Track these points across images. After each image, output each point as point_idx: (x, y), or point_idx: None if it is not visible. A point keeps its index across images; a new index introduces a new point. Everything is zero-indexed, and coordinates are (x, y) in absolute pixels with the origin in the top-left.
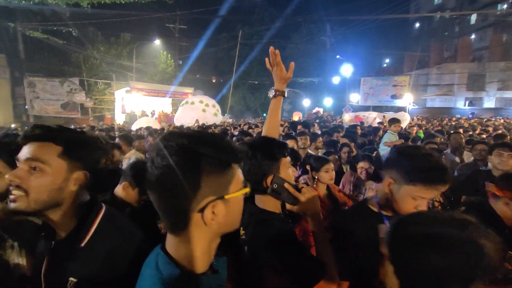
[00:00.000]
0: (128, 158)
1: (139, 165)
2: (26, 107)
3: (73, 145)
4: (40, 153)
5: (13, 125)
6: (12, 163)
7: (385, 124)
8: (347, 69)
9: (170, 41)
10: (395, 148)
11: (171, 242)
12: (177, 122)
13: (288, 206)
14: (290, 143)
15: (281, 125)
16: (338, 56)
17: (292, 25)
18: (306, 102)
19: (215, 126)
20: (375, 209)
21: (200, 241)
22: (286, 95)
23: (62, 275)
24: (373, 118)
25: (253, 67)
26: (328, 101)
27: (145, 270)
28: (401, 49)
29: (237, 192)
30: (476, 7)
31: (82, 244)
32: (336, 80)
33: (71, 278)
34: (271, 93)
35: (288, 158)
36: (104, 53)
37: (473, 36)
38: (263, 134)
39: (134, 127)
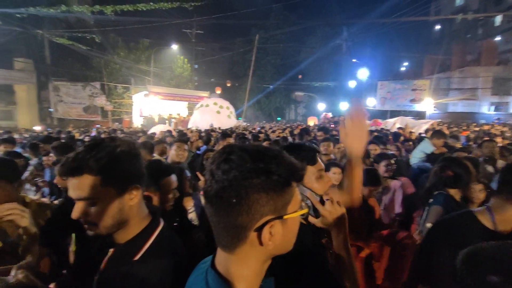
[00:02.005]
0: None
1: (153, 166)
2: (51, 110)
3: (109, 170)
4: (84, 191)
5: (36, 127)
6: None
7: (412, 130)
8: (363, 73)
9: (187, 46)
10: None
11: (222, 260)
12: (193, 126)
13: (310, 218)
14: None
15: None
16: (354, 60)
17: (308, 28)
18: (321, 106)
19: (231, 130)
20: (489, 226)
21: (254, 261)
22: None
23: (113, 286)
24: (392, 123)
25: (268, 71)
26: (343, 105)
27: None
28: (421, 52)
29: (295, 212)
30: (502, 8)
31: (136, 258)
32: (352, 84)
33: None
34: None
35: (319, 166)
36: (124, 58)
37: (498, 38)
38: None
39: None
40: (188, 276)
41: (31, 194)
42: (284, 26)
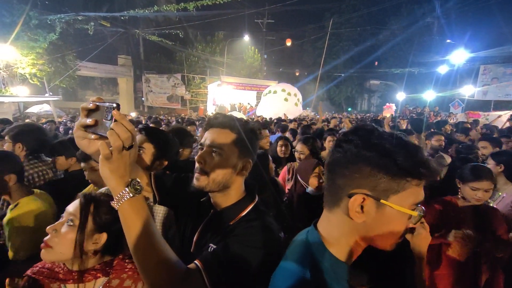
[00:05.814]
0: None
1: None
2: (143, 99)
3: (245, 133)
4: (218, 140)
5: (132, 113)
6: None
7: None
8: (459, 56)
9: (258, 36)
10: None
11: (323, 219)
12: (259, 113)
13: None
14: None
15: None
16: (448, 41)
17: (389, 8)
18: (400, 96)
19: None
20: None
21: (346, 228)
22: None
23: (207, 241)
24: (496, 116)
25: (340, 58)
26: (429, 95)
27: (295, 245)
28: None
29: (398, 206)
30: None
31: (231, 223)
32: (443, 69)
33: (211, 244)
34: None
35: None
36: (202, 51)
37: None
38: None
39: None
40: (281, 247)
41: None
42: (361, 8)
